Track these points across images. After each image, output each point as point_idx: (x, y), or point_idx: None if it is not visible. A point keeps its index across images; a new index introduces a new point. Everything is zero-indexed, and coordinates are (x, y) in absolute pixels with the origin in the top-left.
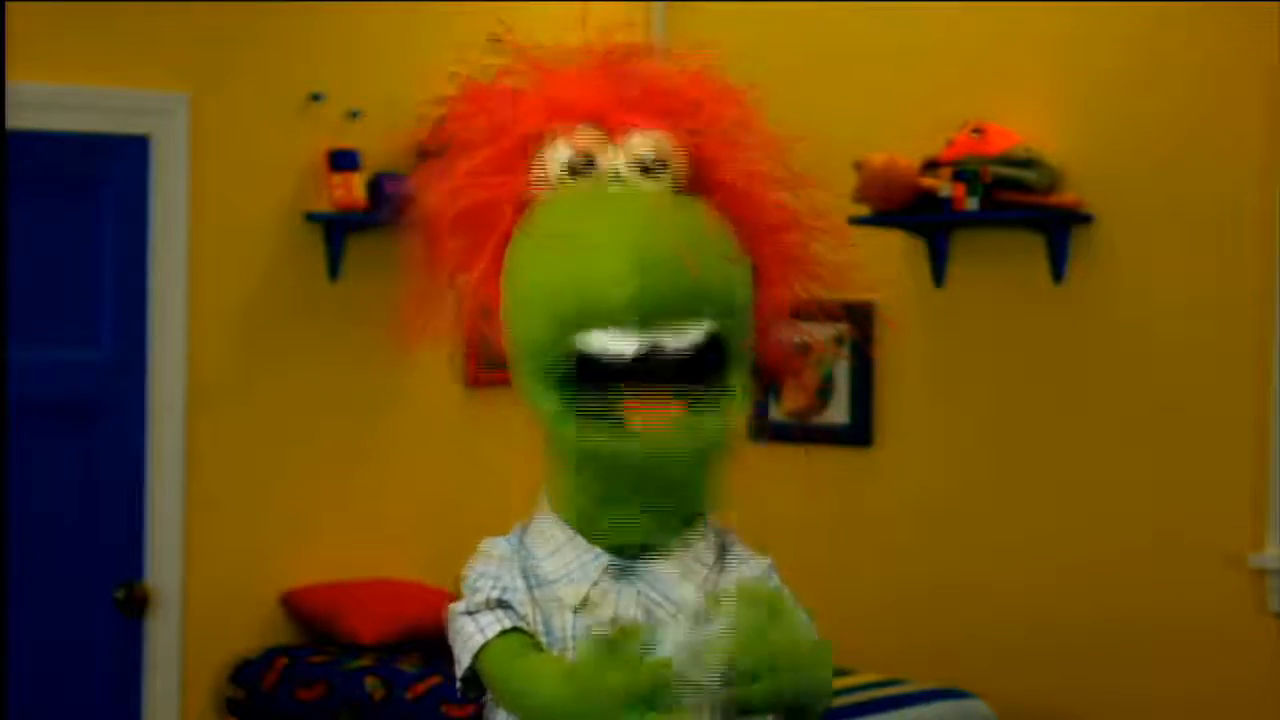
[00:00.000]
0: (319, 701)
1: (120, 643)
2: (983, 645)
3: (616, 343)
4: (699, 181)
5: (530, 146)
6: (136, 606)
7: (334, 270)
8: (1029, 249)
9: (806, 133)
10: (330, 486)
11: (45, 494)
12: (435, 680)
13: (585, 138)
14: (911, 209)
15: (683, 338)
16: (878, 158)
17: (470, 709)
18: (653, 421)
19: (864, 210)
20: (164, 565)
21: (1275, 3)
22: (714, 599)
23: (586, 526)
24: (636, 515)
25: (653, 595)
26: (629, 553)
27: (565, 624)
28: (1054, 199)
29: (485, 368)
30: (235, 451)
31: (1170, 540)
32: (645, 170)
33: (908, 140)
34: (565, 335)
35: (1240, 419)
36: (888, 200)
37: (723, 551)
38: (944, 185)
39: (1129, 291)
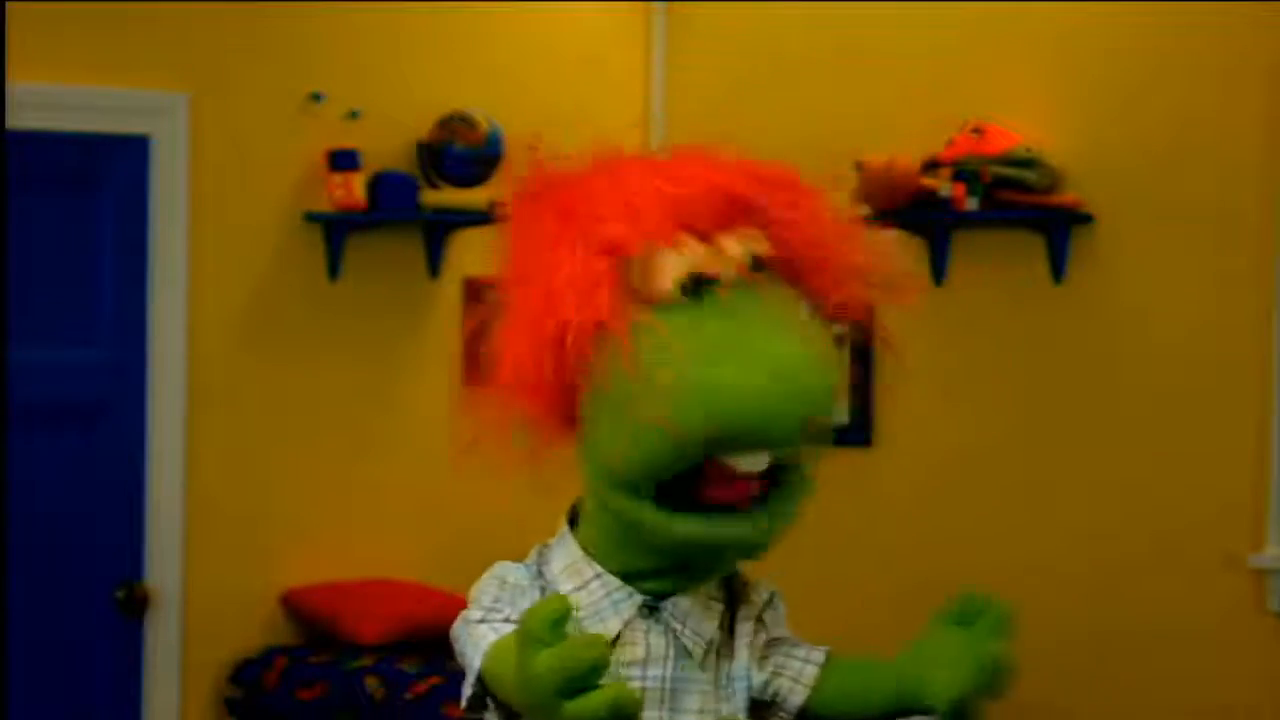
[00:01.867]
0: (319, 701)
1: (120, 643)
2: None
3: (753, 464)
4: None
5: (606, 256)
6: (136, 606)
7: (334, 270)
8: (1029, 249)
9: (806, 133)
10: (330, 486)
11: (45, 494)
12: (435, 680)
13: (690, 250)
14: (911, 209)
15: (760, 461)
16: (878, 158)
17: None
18: (748, 507)
19: (864, 210)
20: (164, 565)
21: (1275, 3)
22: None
23: (628, 578)
24: (680, 582)
25: (685, 632)
26: (658, 592)
27: None
28: (1054, 199)
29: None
30: (235, 451)
31: (1170, 541)
32: (754, 269)
33: (908, 140)
34: (701, 455)
35: (1240, 419)
36: (888, 200)
37: (728, 581)
38: (944, 185)
39: (1129, 291)
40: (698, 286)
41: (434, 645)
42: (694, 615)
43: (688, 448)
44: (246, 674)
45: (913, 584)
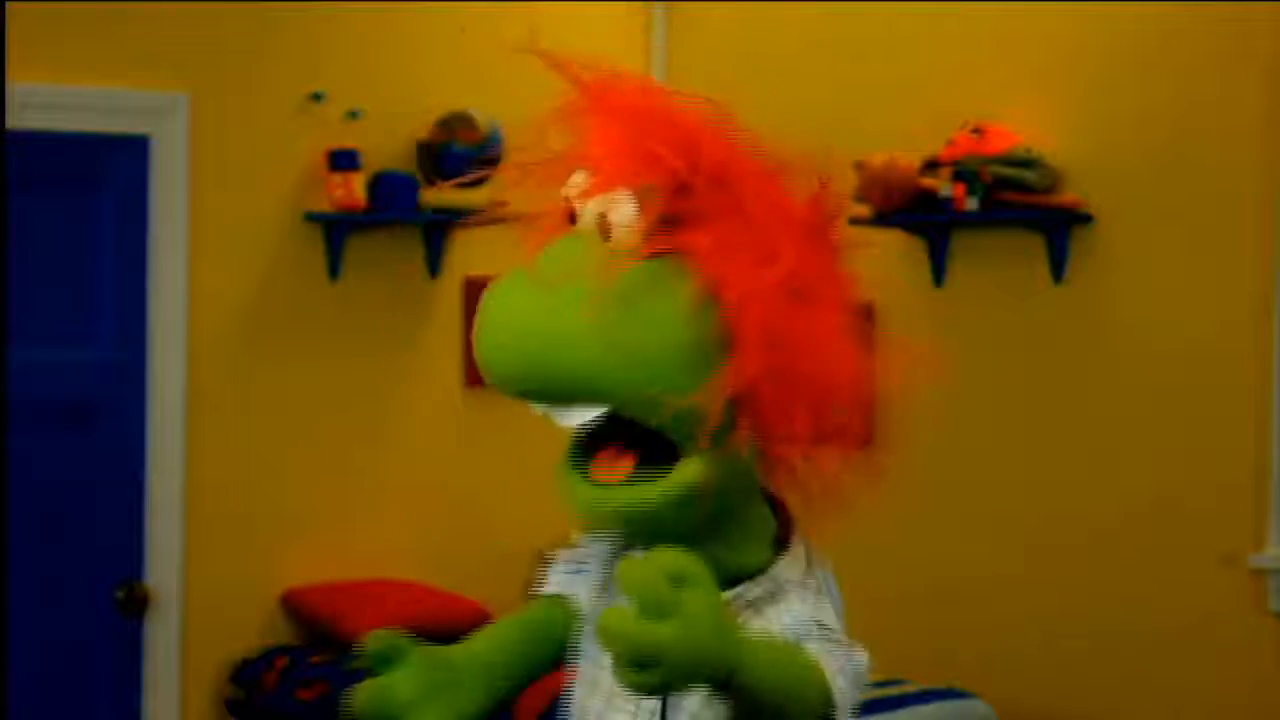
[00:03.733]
0: (319, 701)
1: (120, 643)
2: (983, 645)
3: (540, 410)
4: (680, 233)
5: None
6: (136, 606)
7: (334, 270)
8: (1029, 249)
9: (806, 133)
10: (330, 486)
11: (45, 494)
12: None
13: (579, 184)
14: (911, 209)
15: (569, 416)
16: (878, 158)
17: None
18: (604, 480)
19: (864, 210)
20: (164, 565)
21: (1275, 3)
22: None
23: None
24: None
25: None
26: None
27: None
28: (1054, 199)
29: None
30: (235, 451)
31: (1170, 540)
32: (598, 227)
33: (908, 140)
34: (503, 394)
35: (1240, 419)
36: (888, 200)
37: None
38: (944, 185)
39: (1129, 291)
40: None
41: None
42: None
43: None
44: (246, 674)
45: (913, 584)
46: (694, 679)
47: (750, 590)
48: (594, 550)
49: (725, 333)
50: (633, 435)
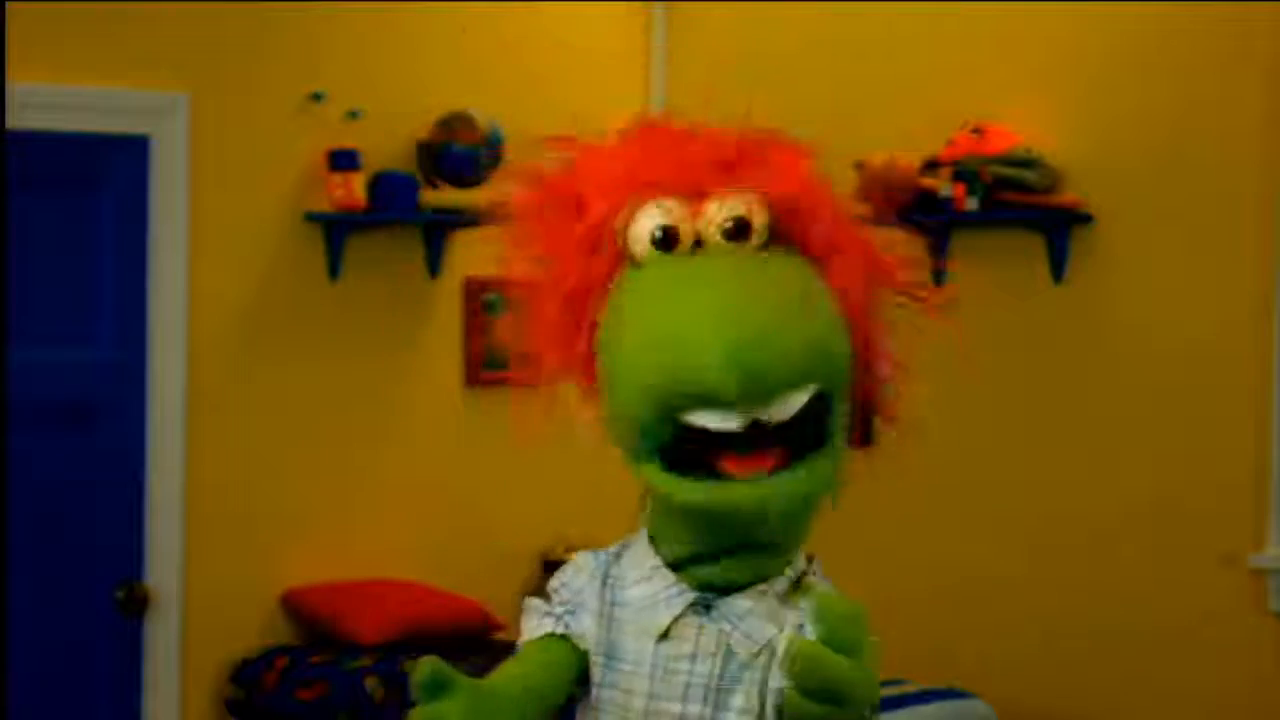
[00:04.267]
0: (319, 701)
1: (120, 643)
2: (983, 645)
3: (721, 421)
4: (783, 237)
5: (601, 227)
6: (136, 606)
7: (334, 270)
8: (1029, 249)
9: (806, 132)
10: (330, 486)
11: (45, 494)
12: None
13: (666, 209)
14: (911, 209)
15: (787, 407)
16: (878, 158)
17: None
18: (754, 475)
19: (864, 210)
20: (164, 565)
21: (1275, 2)
22: (806, 589)
23: (682, 567)
24: (730, 567)
25: (735, 634)
26: (715, 589)
27: (642, 650)
28: (1054, 199)
29: (485, 368)
30: (235, 451)
31: (1170, 540)
32: (730, 235)
33: (908, 140)
34: (669, 415)
35: (1240, 419)
36: (888, 200)
37: (797, 585)
38: (944, 185)
39: (1129, 291)
40: (668, 243)
41: (434, 645)
42: (752, 617)
43: (641, 403)
44: (246, 674)
45: (913, 583)
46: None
47: (777, 583)
48: (581, 585)
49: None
50: (721, 440)
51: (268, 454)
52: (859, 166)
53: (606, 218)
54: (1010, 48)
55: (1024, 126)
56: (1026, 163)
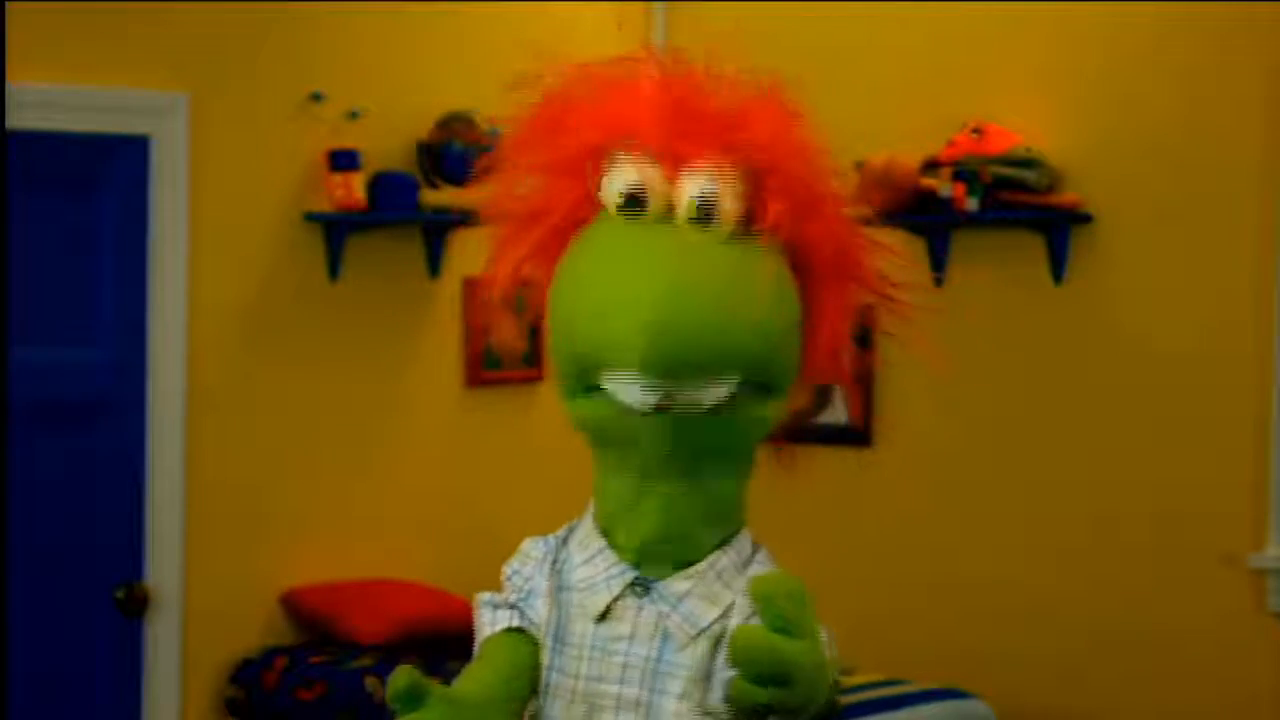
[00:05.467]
0: (319, 701)
1: (120, 643)
2: (983, 645)
3: (636, 396)
4: (757, 208)
5: (584, 161)
6: (136, 606)
7: (334, 270)
8: (1029, 249)
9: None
10: (330, 486)
11: (45, 494)
12: (436, 680)
13: (642, 171)
14: (911, 209)
15: (705, 395)
16: (878, 158)
17: None
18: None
19: (864, 210)
20: (164, 565)
21: (1275, 3)
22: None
23: (613, 528)
24: (662, 505)
25: (673, 617)
26: (655, 571)
27: (585, 632)
28: (1054, 199)
29: (485, 368)
30: (235, 451)
31: (1170, 540)
32: (699, 210)
33: (908, 140)
34: (590, 373)
35: (1240, 419)
36: (888, 200)
37: (745, 572)
38: (944, 185)
39: (1129, 291)
40: (636, 205)
41: (434, 645)
42: (691, 600)
43: (566, 358)
44: (246, 674)
45: (912, 584)
46: (812, 701)
47: (720, 559)
48: (531, 571)
49: (802, 304)
50: None
51: (268, 454)
52: (859, 166)
53: (584, 150)
54: (1010, 48)
55: (1024, 126)
56: (1026, 163)
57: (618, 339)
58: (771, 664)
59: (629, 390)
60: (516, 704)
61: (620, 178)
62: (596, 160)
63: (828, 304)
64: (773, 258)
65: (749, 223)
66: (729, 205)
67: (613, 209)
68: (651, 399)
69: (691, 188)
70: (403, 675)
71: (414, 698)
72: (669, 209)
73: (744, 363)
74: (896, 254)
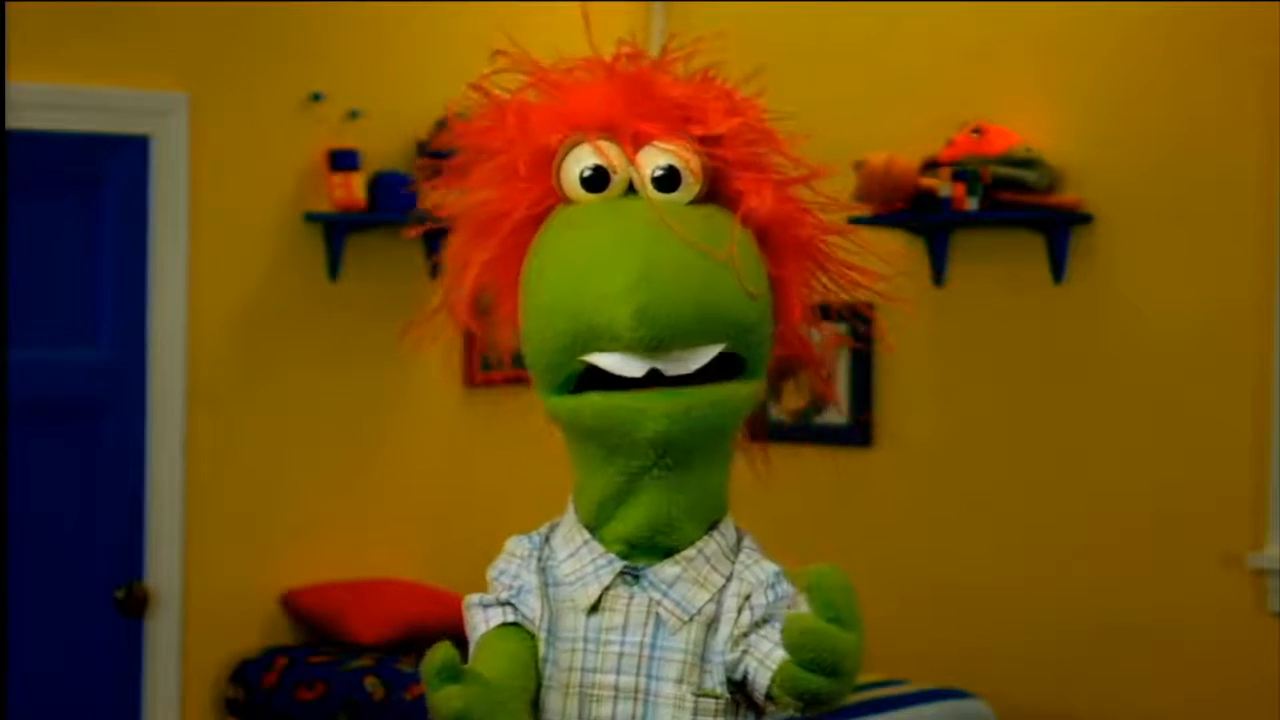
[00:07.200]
0: (319, 701)
1: (120, 643)
2: (983, 645)
3: (624, 366)
4: (717, 189)
5: (543, 158)
6: (136, 606)
7: (334, 270)
8: (1029, 249)
9: (806, 132)
10: (330, 486)
11: (45, 494)
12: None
13: (600, 151)
14: (911, 209)
15: (692, 360)
16: (878, 158)
17: None
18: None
19: (864, 210)
20: (164, 565)
21: (1275, 2)
22: (801, 575)
23: (600, 523)
24: (651, 496)
25: (665, 603)
26: (643, 560)
27: (577, 625)
28: (1054, 199)
29: (484, 368)
30: (235, 451)
31: (1170, 540)
32: (661, 183)
33: (908, 140)
34: (575, 354)
35: (1240, 419)
36: (888, 200)
37: (735, 556)
38: (944, 185)
39: (1129, 291)
40: (598, 183)
41: (434, 645)
42: (682, 585)
43: (549, 337)
44: (246, 674)
45: (912, 583)
46: (845, 694)
47: (708, 544)
48: (517, 569)
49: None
50: (621, 384)
51: (268, 454)
52: (859, 166)
53: (540, 149)
54: (1010, 48)
55: (1024, 126)
56: (1026, 163)
57: (600, 310)
58: (825, 652)
59: (617, 362)
60: (529, 695)
61: (580, 161)
62: (556, 157)
63: (790, 280)
64: (739, 226)
65: (711, 197)
66: (693, 171)
67: (575, 191)
68: (640, 369)
69: (652, 160)
70: (442, 649)
71: (452, 673)
72: (630, 186)
73: (726, 326)
74: (868, 245)
